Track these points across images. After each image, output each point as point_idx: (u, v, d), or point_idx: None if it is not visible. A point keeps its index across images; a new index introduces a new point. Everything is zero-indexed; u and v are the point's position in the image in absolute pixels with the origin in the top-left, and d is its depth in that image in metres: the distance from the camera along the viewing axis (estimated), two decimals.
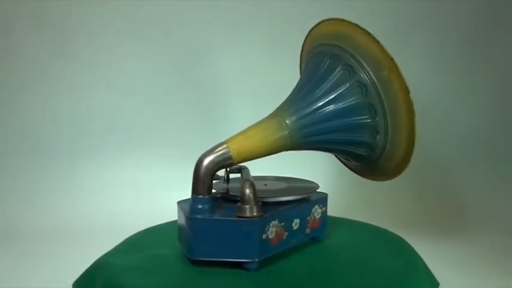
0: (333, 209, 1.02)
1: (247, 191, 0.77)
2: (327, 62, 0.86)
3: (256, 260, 0.77)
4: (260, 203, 0.78)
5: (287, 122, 0.83)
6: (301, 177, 1.02)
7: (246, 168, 0.92)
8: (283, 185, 0.95)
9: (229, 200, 0.84)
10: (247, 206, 0.76)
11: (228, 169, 0.90)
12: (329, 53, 0.86)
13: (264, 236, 0.77)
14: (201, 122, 1.42)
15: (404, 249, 0.95)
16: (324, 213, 0.91)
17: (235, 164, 0.81)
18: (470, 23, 1.51)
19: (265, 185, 0.93)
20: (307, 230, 0.87)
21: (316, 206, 0.89)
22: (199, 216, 0.77)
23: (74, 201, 1.29)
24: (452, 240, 1.19)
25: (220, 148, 0.79)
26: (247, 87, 1.44)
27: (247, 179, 0.79)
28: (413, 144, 0.79)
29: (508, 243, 1.18)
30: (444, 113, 1.53)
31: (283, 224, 0.81)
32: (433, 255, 0.97)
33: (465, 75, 1.52)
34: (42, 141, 1.37)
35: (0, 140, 1.35)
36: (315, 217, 0.89)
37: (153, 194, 1.24)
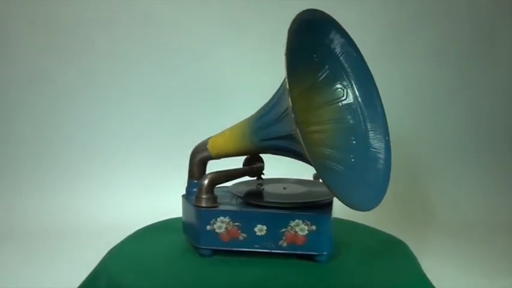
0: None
1: (205, 182, 0.83)
2: None
3: (203, 247, 0.82)
4: (215, 195, 0.82)
5: (250, 124, 0.80)
6: None
7: (255, 164, 0.92)
8: (302, 189, 0.87)
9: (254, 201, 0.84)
10: (203, 197, 0.83)
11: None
12: None
13: (208, 227, 0.81)
14: (204, 122, 1.38)
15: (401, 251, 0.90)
16: (315, 232, 0.78)
17: (214, 158, 0.87)
18: (472, 22, 1.50)
19: (285, 188, 0.89)
20: (282, 243, 0.79)
21: (298, 221, 0.78)
22: (185, 197, 0.90)
23: (75, 201, 1.37)
24: (452, 240, 1.20)
25: (206, 141, 0.88)
26: (251, 87, 1.34)
27: (213, 172, 0.84)
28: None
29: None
30: (444, 113, 1.56)
31: (238, 224, 0.80)
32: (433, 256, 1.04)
33: (465, 75, 1.53)
34: (41, 141, 1.43)
35: (0, 140, 1.41)
36: (296, 232, 0.79)
37: (158, 194, 1.26)
